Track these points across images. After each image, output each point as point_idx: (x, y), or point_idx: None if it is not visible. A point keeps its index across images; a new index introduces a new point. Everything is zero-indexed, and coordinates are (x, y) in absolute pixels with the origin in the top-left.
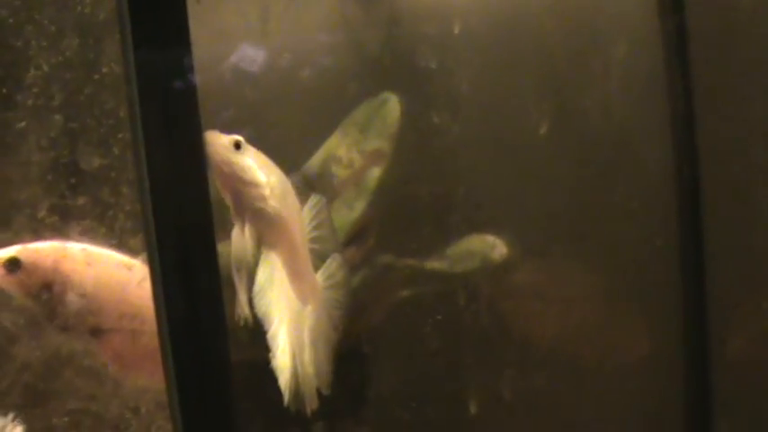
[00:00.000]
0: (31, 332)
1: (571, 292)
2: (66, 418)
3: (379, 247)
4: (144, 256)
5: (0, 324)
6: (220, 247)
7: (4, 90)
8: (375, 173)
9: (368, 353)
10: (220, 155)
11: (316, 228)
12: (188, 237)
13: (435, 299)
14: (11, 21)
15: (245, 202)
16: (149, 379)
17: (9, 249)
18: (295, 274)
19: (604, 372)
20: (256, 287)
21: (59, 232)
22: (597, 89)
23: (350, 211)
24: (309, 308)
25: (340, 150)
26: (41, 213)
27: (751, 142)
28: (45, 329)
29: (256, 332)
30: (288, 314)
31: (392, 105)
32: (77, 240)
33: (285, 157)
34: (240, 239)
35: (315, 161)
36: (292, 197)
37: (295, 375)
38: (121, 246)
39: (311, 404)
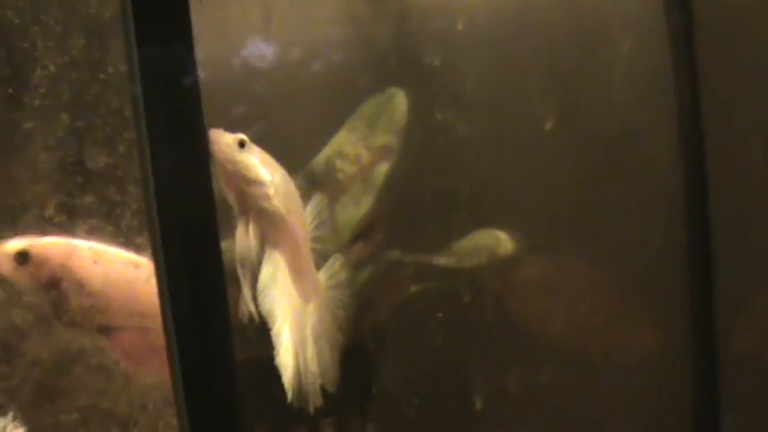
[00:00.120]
0: (40, 329)
1: (578, 288)
2: (74, 415)
3: (387, 243)
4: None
5: (10, 321)
6: (224, 245)
7: (11, 90)
8: (382, 168)
9: (375, 348)
10: (225, 153)
11: (317, 227)
12: (193, 234)
13: (442, 294)
14: (17, 21)
15: (249, 200)
16: (158, 375)
17: (19, 242)
18: (297, 273)
19: (611, 367)
20: (260, 285)
21: (66, 231)
22: (603, 85)
23: (357, 208)
24: (312, 306)
25: (347, 146)
26: (49, 212)
27: (757, 137)
28: (54, 326)
29: (261, 329)
30: (290, 312)
31: (399, 101)
32: (85, 239)
33: (292, 153)
34: (244, 237)
35: (322, 157)
36: (295, 196)
37: (298, 373)
38: (128, 244)
39: (315, 401)
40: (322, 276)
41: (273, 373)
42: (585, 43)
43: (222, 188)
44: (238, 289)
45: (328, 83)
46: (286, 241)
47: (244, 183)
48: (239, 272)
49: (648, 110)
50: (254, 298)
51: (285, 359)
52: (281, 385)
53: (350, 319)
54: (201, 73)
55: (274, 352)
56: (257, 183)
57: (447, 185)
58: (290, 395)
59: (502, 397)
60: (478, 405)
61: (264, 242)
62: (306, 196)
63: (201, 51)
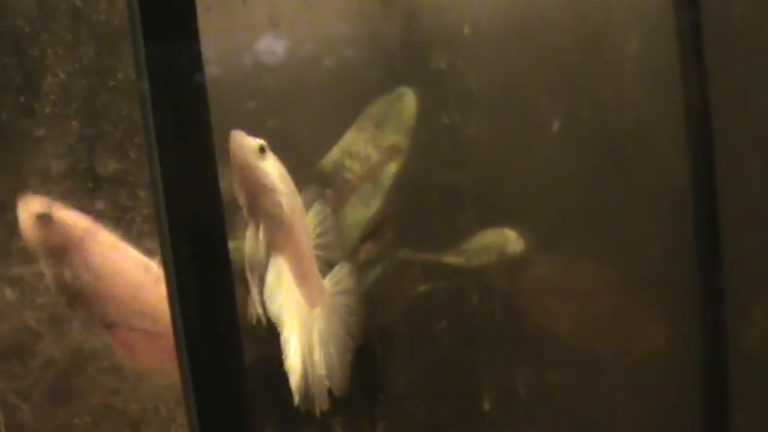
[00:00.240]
0: (54, 330)
1: (587, 286)
2: (86, 416)
3: (396, 242)
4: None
5: (23, 322)
6: (232, 245)
7: (23, 98)
8: (391, 168)
9: (383, 348)
10: (244, 157)
11: (320, 235)
12: (201, 236)
13: (451, 293)
14: (28, 30)
15: (261, 205)
16: (164, 376)
17: (46, 203)
18: (302, 278)
19: (621, 364)
20: (266, 290)
21: None
22: (611, 84)
23: (366, 209)
24: (318, 310)
25: (356, 146)
26: None
27: (765, 136)
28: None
29: (270, 331)
30: (297, 317)
31: (408, 100)
32: None
33: (300, 150)
34: (254, 240)
35: (331, 156)
36: (299, 203)
37: (305, 376)
38: (139, 248)
39: (321, 405)
40: (329, 283)
41: (282, 375)
42: (594, 43)
43: (234, 189)
44: (247, 291)
45: (337, 83)
46: (290, 247)
47: (258, 188)
48: (248, 275)
49: (656, 109)
50: (263, 301)
51: (293, 363)
52: (290, 387)
53: (359, 325)
54: (211, 70)
55: (284, 356)
56: (271, 190)
57: (456, 184)
58: (296, 398)
59: (511, 397)
60: (487, 405)
61: (271, 247)
62: (315, 196)
63: (211, 49)
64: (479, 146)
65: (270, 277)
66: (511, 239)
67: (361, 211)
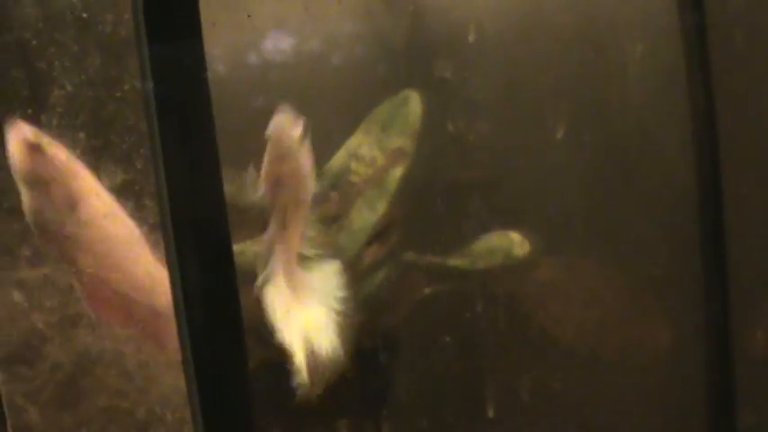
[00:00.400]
0: (62, 333)
1: (592, 289)
2: (94, 419)
3: (402, 245)
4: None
5: (32, 325)
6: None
7: (30, 111)
8: (397, 171)
9: (389, 350)
10: (289, 145)
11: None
12: (206, 245)
13: (457, 296)
14: (34, 42)
15: (285, 193)
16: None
17: (45, 139)
18: (290, 273)
19: (626, 366)
20: (258, 282)
21: None
22: (617, 86)
23: (372, 213)
24: (307, 304)
25: (362, 148)
26: None
27: None
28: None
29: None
30: (286, 311)
31: (414, 103)
32: None
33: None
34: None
35: (337, 159)
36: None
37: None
38: None
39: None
40: (317, 281)
41: (286, 375)
42: (599, 46)
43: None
44: (250, 292)
45: (343, 85)
46: (296, 239)
47: (293, 179)
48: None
49: (661, 112)
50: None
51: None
52: (294, 388)
53: (350, 325)
54: (217, 68)
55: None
56: (304, 179)
57: (461, 187)
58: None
59: (515, 401)
60: (491, 408)
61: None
62: (322, 198)
63: (216, 48)
64: (485, 149)
65: (267, 267)
66: (516, 242)
67: (367, 214)
